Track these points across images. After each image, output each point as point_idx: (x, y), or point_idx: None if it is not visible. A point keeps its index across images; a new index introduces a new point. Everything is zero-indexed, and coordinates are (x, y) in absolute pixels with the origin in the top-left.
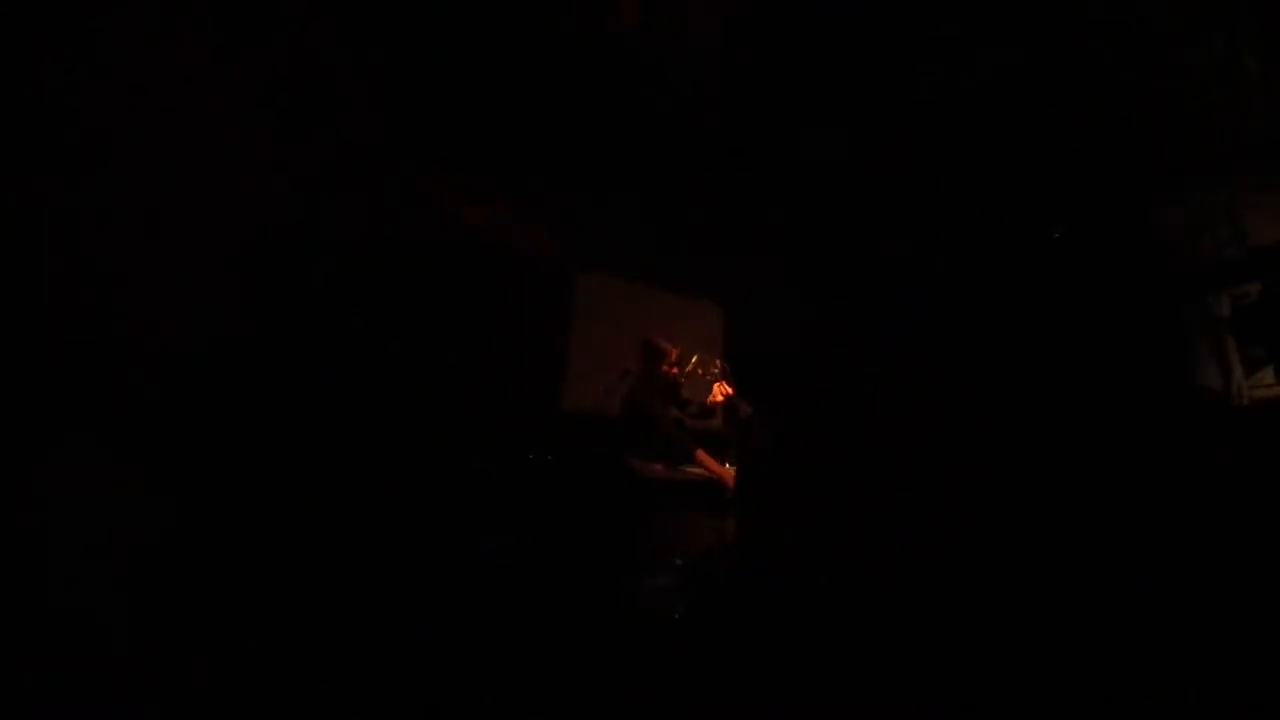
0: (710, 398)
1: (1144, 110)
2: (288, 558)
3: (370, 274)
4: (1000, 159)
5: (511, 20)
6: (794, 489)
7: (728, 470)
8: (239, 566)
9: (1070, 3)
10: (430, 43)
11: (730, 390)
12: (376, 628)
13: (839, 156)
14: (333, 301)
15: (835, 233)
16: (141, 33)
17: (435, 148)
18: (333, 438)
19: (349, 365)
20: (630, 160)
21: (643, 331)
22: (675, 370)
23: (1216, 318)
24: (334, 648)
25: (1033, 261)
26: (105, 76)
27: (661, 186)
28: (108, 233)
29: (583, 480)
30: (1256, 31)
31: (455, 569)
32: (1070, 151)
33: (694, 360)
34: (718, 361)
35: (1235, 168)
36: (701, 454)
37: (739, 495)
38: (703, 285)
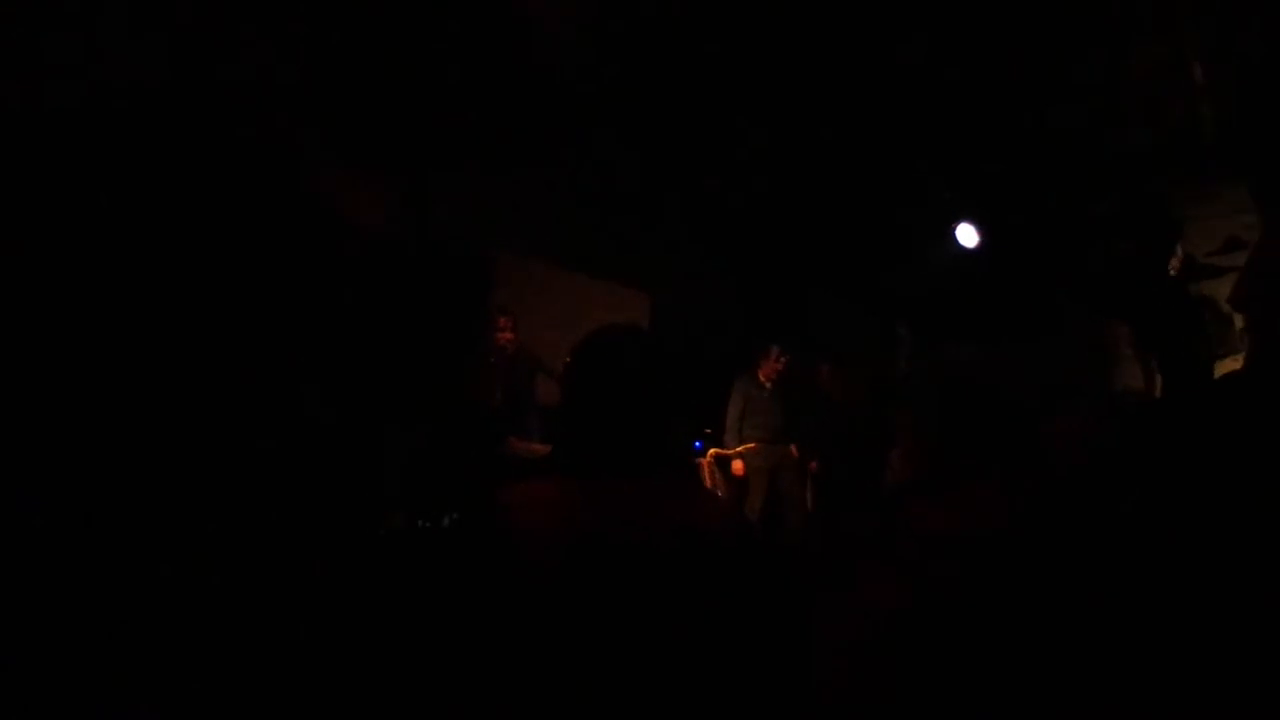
0: None
1: (1085, 110)
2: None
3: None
4: (925, 151)
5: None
6: None
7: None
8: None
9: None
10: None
11: None
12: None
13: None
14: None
15: (764, 227)
16: None
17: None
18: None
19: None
20: (557, 146)
21: (563, 316)
22: (509, 336)
23: (1141, 321)
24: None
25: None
26: None
27: (593, 173)
28: None
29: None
30: (1204, 39)
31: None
32: (1000, 153)
33: (501, 321)
34: None
35: (1172, 171)
36: (512, 441)
37: None
38: (632, 273)
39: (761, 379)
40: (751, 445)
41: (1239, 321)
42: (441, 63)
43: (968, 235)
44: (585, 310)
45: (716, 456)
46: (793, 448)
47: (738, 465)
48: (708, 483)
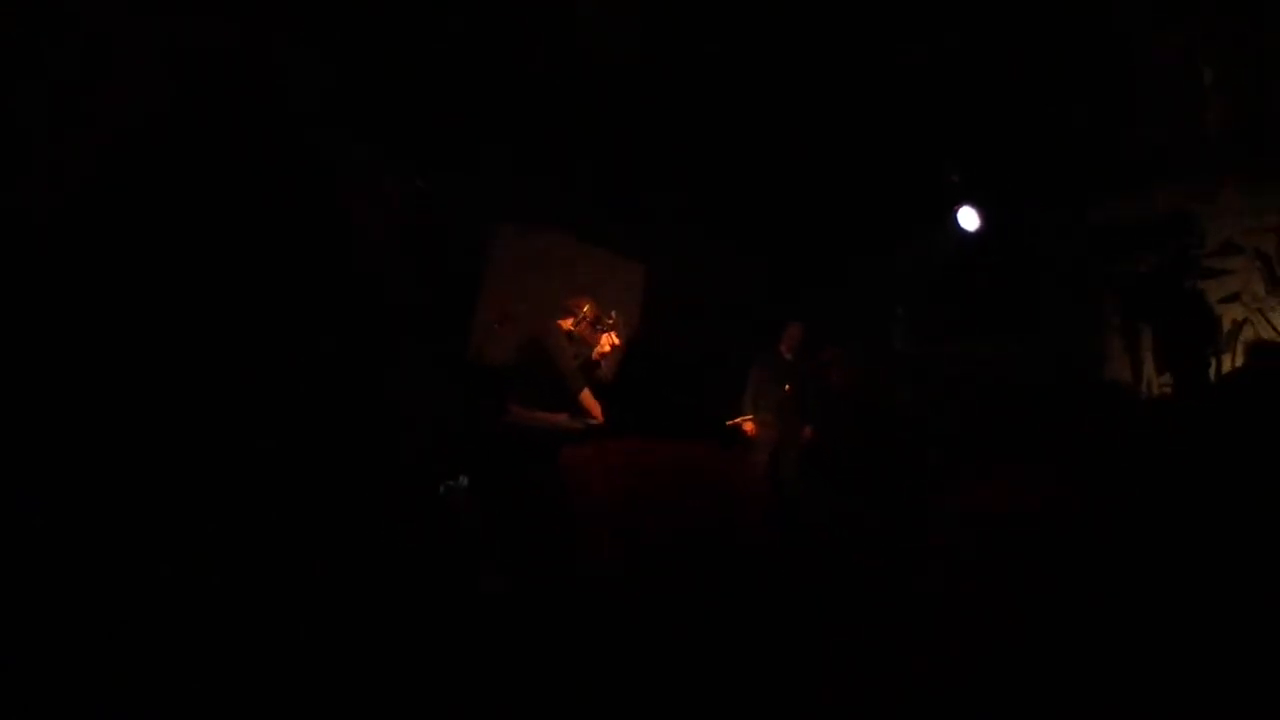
0: (598, 349)
1: (1091, 108)
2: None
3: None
4: (931, 138)
5: None
6: None
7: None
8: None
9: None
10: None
11: (618, 342)
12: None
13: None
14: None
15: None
16: None
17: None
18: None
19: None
20: (556, 117)
21: (556, 283)
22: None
23: (1134, 317)
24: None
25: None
26: None
27: (593, 146)
28: None
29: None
30: (1214, 39)
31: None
32: (1006, 144)
33: (585, 309)
34: (613, 313)
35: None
36: (586, 394)
37: None
38: (627, 242)
39: (783, 352)
40: (749, 417)
41: (1227, 322)
42: (448, 40)
43: (969, 218)
44: (581, 279)
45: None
46: (806, 429)
47: (749, 426)
48: None
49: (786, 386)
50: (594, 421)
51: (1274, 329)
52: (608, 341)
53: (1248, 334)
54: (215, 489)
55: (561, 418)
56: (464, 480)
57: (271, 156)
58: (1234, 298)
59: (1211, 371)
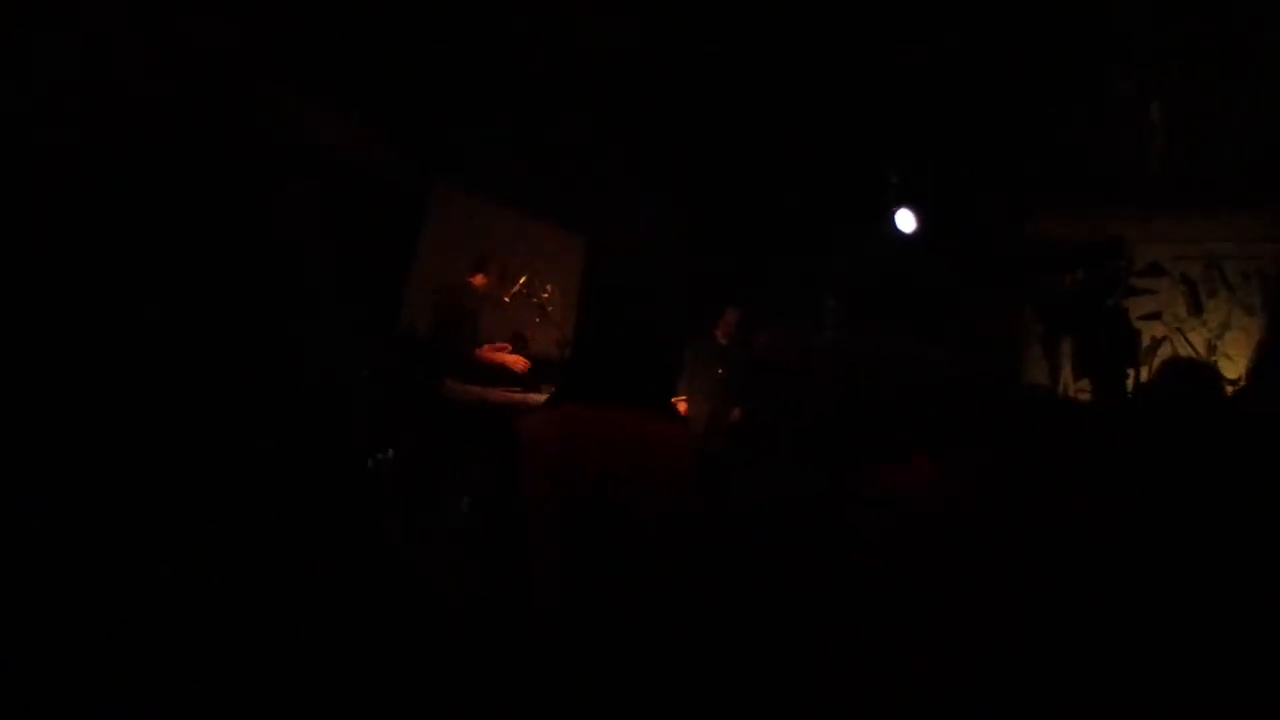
0: (503, 356)
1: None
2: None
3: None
4: (880, 137)
5: None
6: None
7: (514, 358)
8: None
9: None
10: None
11: (525, 367)
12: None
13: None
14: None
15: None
16: None
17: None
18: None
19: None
20: (507, 86)
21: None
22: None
23: (1057, 328)
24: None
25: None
26: None
27: (546, 119)
28: None
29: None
30: (1164, 82)
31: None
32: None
33: (522, 280)
34: (549, 286)
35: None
36: (487, 351)
37: None
38: (574, 219)
39: (719, 337)
40: (683, 398)
41: (1146, 338)
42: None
43: (906, 220)
44: (522, 252)
45: None
46: (735, 411)
47: (683, 407)
48: None
49: (720, 370)
50: (519, 396)
51: (1192, 348)
52: (516, 362)
53: (1165, 351)
54: (210, 489)
55: (494, 392)
56: (391, 454)
57: (269, 155)
58: (1155, 316)
59: (1129, 383)
